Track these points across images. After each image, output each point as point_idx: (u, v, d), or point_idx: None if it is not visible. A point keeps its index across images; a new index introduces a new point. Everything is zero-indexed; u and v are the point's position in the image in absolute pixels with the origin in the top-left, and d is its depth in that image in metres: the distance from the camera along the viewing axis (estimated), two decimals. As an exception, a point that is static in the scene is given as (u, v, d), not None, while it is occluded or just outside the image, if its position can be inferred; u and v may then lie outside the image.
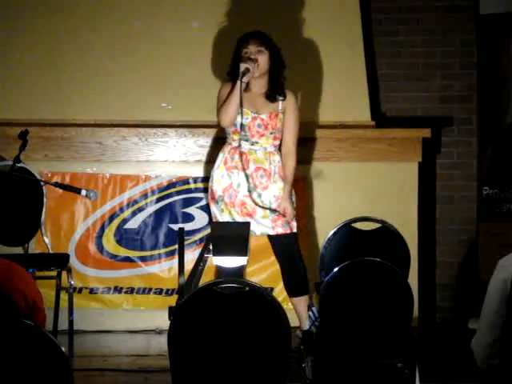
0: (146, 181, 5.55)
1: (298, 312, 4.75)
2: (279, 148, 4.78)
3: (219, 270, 3.96)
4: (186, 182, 5.57)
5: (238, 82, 4.60)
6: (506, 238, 5.50)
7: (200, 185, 5.56)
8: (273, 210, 4.68)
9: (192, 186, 5.57)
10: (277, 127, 4.71)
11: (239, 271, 3.73)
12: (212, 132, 5.53)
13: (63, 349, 2.49)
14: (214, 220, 4.74)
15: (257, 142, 4.68)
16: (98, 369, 4.70)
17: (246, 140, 4.70)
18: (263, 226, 4.67)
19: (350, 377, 3.66)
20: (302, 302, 4.72)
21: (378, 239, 4.42)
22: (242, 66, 4.60)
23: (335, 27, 5.75)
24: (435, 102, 5.98)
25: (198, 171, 5.56)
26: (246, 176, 4.67)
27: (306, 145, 5.54)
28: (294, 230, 4.66)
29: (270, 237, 4.71)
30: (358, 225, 4.53)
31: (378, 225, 4.50)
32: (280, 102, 4.74)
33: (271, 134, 4.71)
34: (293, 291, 4.76)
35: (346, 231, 4.44)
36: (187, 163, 5.56)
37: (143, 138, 5.53)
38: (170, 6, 5.77)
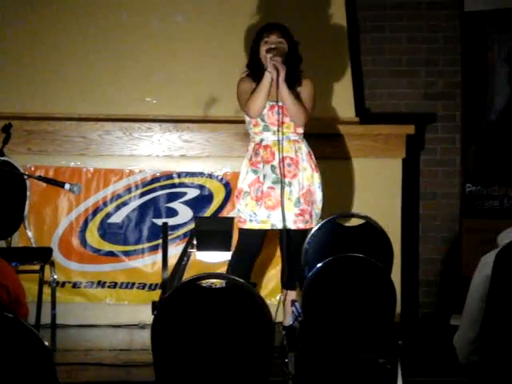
0: (130, 175, 5.54)
1: (287, 306, 4.77)
2: (304, 136, 4.82)
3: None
4: (169, 176, 5.56)
5: (267, 74, 4.64)
6: (489, 235, 5.51)
7: (184, 180, 5.55)
8: (297, 204, 4.72)
9: (176, 180, 5.56)
10: None
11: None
12: (196, 127, 5.53)
13: (46, 343, 2.49)
14: (241, 219, 4.78)
15: (278, 131, 4.72)
16: (80, 363, 4.69)
17: (268, 130, 4.74)
18: (286, 220, 4.71)
19: (333, 372, 3.67)
20: (295, 295, 4.76)
21: (362, 235, 4.43)
22: (269, 56, 4.64)
23: (320, 23, 5.75)
24: (419, 98, 6.00)
25: (182, 166, 5.55)
26: (272, 168, 4.72)
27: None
28: (311, 226, 4.68)
29: (285, 228, 4.77)
30: (341, 220, 4.54)
31: (361, 221, 4.51)
32: (296, 89, 4.78)
33: (292, 120, 4.76)
34: (291, 284, 4.80)
35: (330, 227, 4.44)
36: (171, 158, 5.55)
37: (127, 133, 5.52)
38: (155, 1, 5.75)
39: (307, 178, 4.77)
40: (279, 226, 4.76)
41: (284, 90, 4.70)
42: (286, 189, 4.73)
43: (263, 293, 5.23)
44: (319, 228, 4.43)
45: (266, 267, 5.42)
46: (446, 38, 5.95)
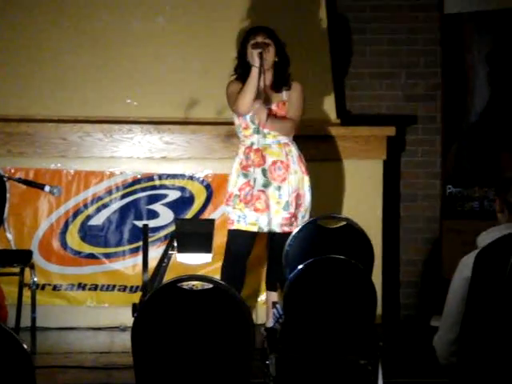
0: (111, 177, 5.52)
1: (269, 308, 4.79)
2: (294, 139, 4.86)
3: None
4: (150, 178, 5.54)
5: (254, 68, 4.67)
6: (469, 236, 5.53)
7: (165, 181, 5.54)
8: (287, 208, 4.74)
9: (157, 182, 5.55)
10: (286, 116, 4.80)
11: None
12: (177, 128, 5.52)
13: (25, 346, 2.47)
14: (229, 221, 4.81)
15: (268, 133, 4.75)
16: (60, 366, 4.67)
17: (258, 132, 4.76)
18: (272, 223, 4.74)
19: (314, 374, 3.67)
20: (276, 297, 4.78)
21: (343, 237, 4.44)
22: (255, 52, 4.67)
23: (301, 25, 5.75)
24: (400, 100, 6.02)
25: (163, 168, 5.54)
26: (263, 171, 4.74)
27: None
28: (294, 229, 4.70)
29: (271, 232, 4.80)
30: (322, 222, 4.54)
31: (342, 222, 4.52)
32: (284, 92, 4.82)
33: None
34: (273, 285, 4.83)
35: (311, 228, 4.45)
36: (152, 160, 5.54)
37: (108, 134, 5.50)
38: (135, 2, 5.74)
39: (298, 180, 4.81)
40: (265, 229, 4.78)
41: (269, 127, 4.72)
42: (275, 192, 4.76)
43: (246, 294, 5.22)
44: (300, 230, 4.44)
45: (250, 268, 5.41)
46: (426, 40, 5.97)
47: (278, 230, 4.79)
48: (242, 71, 4.81)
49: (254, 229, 4.80)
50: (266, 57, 4.71)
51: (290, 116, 4.83)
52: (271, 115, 4.77)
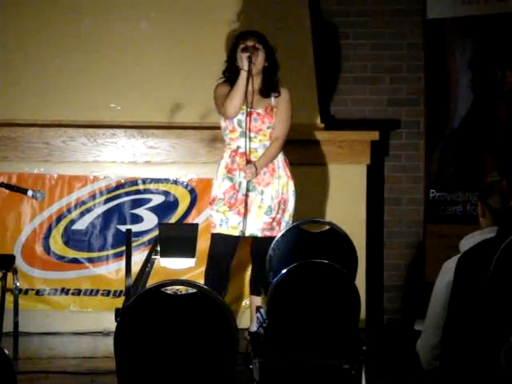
0: (95, 181, 5.50)
1: (253, 312, 4.79)
2: None
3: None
4: (134, 183, 5.54)
5: (243, 72, 4.68)
6: (452, 240, 5.54)
7: (149, 186, 5.53)
8: (268, 213, 4.74)
9: (141, 187, 5.54)
10: (273, 121, 4.79)
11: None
12: (161, 133, 5.51)
13: (6, 351, 2.46)
14: (212, 224, 4.81)
15: (255, 137, 4.74)
16: (43, 371, 4.65)
17: (245, 136, 4.76)
18: (253, 227, 4.74)
19: (297, 378, 3.68)
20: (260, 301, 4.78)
21: (326, 241, 4.44)
22: (244, 55, 4.68)
23: (285, 30, 5.76)
24: (384, 104, 6.03)
25: (147, 172, 5.54)
26: None
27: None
28: (275, 234, 4.70)
29: (253, 236, 4.80)
30: (306, 226, 4.55)
31: (326, 226, 4.52)
32: (273, 98, 4.83)
33: (268, 128, 4.81)
34: (257, 290, 4.83)
35: (295, 233, 4.46)
36: (136, 164, 5.53)
37: (91, 139, 5.49)
38: (118, 6, 5.73)
39: (282, 185, 4.82)
40: (246, 233, 4.78)
41: (263, 167, 4.77)
42: (258, 197, 4.77)
43: (229, 299, 5.22)
44: (284, 234, 4.44)
45: (234, 273, 5.41)
46: (410, 45, 5.99)
47: (259, 234, 4.79)
48: (230, 75, 4.81)
49: (236, 233, 4.79)
50: (254, 61, 4.71)
51: (277, 135, 4.83)
52: (253, 165, 4.76)
